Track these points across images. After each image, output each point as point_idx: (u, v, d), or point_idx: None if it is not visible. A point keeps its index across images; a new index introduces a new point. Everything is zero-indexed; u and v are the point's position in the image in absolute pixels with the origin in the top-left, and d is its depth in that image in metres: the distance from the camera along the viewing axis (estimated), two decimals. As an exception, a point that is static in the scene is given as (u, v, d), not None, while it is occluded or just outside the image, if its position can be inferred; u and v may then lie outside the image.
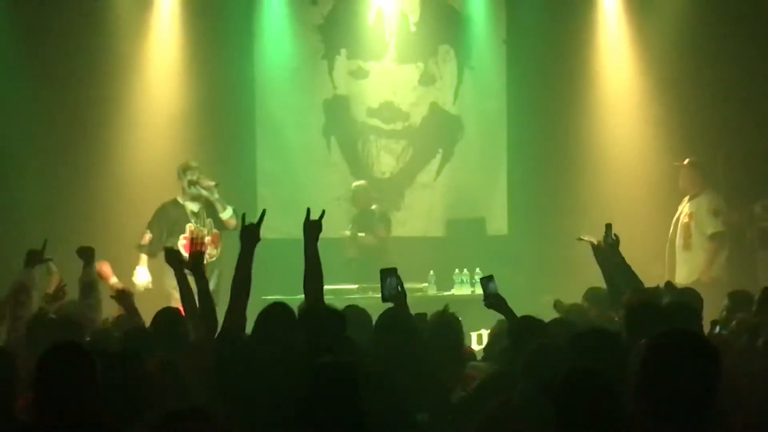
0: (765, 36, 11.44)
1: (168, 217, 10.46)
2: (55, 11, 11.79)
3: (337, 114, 12.92)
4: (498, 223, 12.75)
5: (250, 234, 5.76)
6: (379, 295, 6.21)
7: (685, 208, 10.96)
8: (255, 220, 5.76)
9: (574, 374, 3.87)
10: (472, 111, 12.99)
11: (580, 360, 4.60)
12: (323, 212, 5.86)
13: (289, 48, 12.84)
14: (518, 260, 11.75)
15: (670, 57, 12.09)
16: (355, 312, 6.17)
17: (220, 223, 10.48)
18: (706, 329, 6.48)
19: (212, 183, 10.49)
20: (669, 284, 7.49)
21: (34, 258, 7.06)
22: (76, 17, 11.83)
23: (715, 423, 3.36)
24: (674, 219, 11.02)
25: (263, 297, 9.13)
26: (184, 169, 10.55)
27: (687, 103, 11.93)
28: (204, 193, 10.44)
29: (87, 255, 7.06)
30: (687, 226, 10.86)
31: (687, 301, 6.51)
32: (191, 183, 10.43)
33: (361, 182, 12.04)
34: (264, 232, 12.92)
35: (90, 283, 6.93)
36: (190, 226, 10.31)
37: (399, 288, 6.11)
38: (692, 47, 11.84)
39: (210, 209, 10.49)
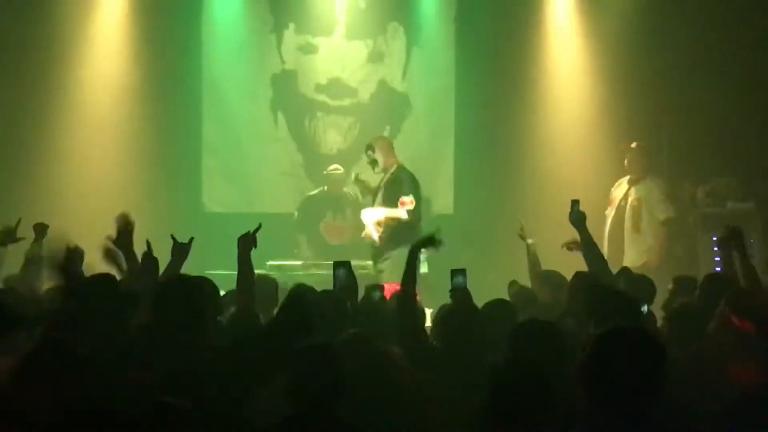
0: (701, 29, 11.49)
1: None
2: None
3: (285, 89, 12.84)
4: (444, 201, 12.73)
5: (246, 241, 6.09)
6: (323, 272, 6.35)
7: (631, 191, 10.97)
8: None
9: (509, 366, 4.04)
10: (420, 89, 12.94)
11: (519, 350, 4.68)
12: (260, 225, 6.19)
13: (237, 20, 12.75)
14: (464, 239, 11.72)
15: (616, 45, 12.11)
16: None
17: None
18: (657, 311, 6.51)
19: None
20: (625, 270, 7.41)
21: (8, 236, 7.31)
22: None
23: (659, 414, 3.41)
24: (616, 202, 11.01)
25: (206, 271, 9.03)
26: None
27: (630, 89, 11.96)
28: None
29: (39, 230, 7.23)
30: (637, 209, 10.90)
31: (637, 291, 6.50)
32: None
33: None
34: (209, 205, 12.86)
35: (32, 259, 6.98)
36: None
37: (349, 280, 6.31)
38: (636, 36, 11.87)
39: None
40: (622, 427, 3.26)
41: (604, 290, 5.76)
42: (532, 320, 5.17)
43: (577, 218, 6.87)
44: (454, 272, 6.20)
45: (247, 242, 5.99)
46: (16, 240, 7.34)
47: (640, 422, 3.27)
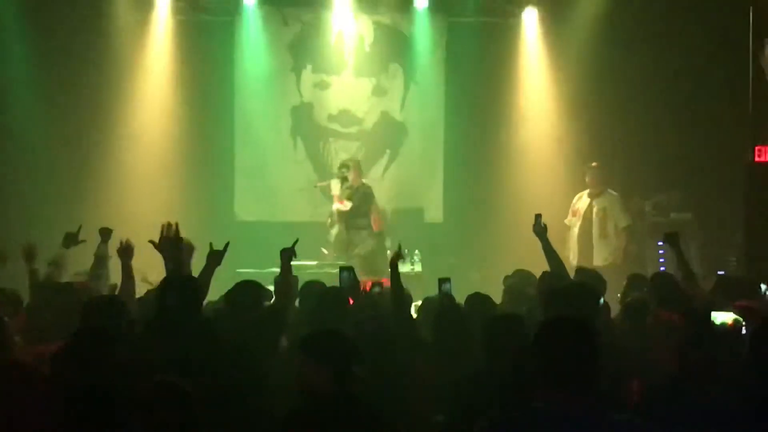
0: (649, 63, 11.52)
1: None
2: (65, 22, 11.57)
3: (303, 119, 12.86)
4: (435, 212, 12.74)
5: (287, 252, 5.90)
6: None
7: (594, 203, 11.00)
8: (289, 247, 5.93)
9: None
10: (415, 119, 12.96)
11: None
12: (297, 240, 6.03)
13: (263, 61, 12.75)
14: (451, 243, 11.82)
15: (578, 79, 12.17)
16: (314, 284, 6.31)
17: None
18: (614, 303, 6.59)
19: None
20: (580, 268, 7.49)
21: (71, 240, 7.00)
22: (83, 28, 11.66)
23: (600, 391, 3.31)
24: (581, 213, 11.05)
25: (237, 270, 9.18)
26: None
27: (589, 117, 12.04)
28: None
29: (104, 234, 7.00)
30: (602, 219, 10.95)
31: (590, 284, 6.58)
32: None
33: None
34: (240, 214, 12.97)
35: (101, 257, 6.83)
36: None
37: (352, 280, 6.43)
38: (593, 72, 11.93)
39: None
40: (566, 403, 3.08)
41: (565, 286, 5.81)
42: (507, 314, 5.23)
43: (539, 230, 6.86)
44: (442, 280, 6.21)
45: (288, 253, 5.87)
46: (77, 243, 7.10)
47: (579, 399, 3.09)
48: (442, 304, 5.86)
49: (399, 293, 5.90)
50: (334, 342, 4.07)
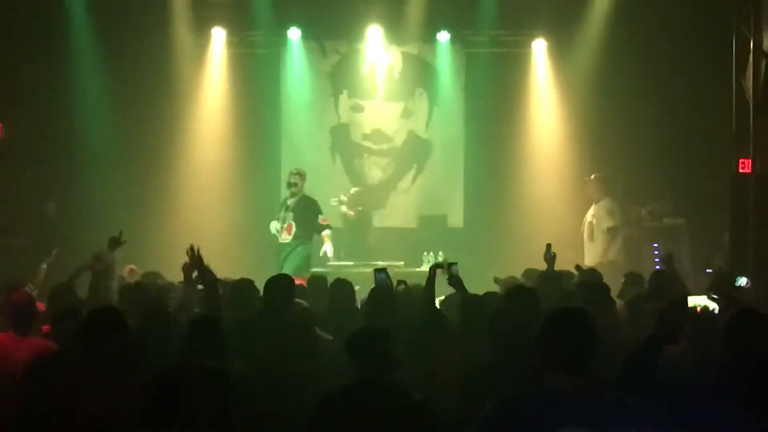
0: (646, 84, 11.43)
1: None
2: (134, 50, 11.72)
3: (340, 137, 12.93)
4: (456, 218, 12.70)
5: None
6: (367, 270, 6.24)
7: (590, 211, 11.01)
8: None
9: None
10: (438, 137, 12.97)
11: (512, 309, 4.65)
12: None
13: (305, 88, 12.85)
14: (471, 246, 11.79)
15: (582, 100, 12.11)
16: (340, 281, 6.28)
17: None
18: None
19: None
20: (577, 266, 7.53)
21: (115, 243, 6.78)
22: (149, 59, 11.82)
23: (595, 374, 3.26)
24: (585, 220, 11.06)
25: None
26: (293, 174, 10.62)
27: (593, 133, 11.98)
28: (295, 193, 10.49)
29: (113, 243, 6.72)
30: (591, 224, 10.92)
31: (592, 279, 6.61)
32: (288, 185, 10.59)
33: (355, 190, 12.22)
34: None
35: (110, 264, 6.63)
36: (282, 216, 10.41)
37: (387, 281, 6.25)
38: (596, 93, 11.85)
39: (306, 211, 10.39)
40: (564, 384, 3.07)
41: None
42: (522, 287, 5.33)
43: (549, 258, 6.85)
44: (450, 264, 6.13)
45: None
46: (121, 244, 6.72)
47: (575, 380, 3.08)
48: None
49: (431, 294, 5.89)
50: (373, 340, 3.96)
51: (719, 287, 5.71)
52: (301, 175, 10.48)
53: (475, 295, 5.73)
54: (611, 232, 10.82)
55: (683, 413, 3.27)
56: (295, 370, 4.42)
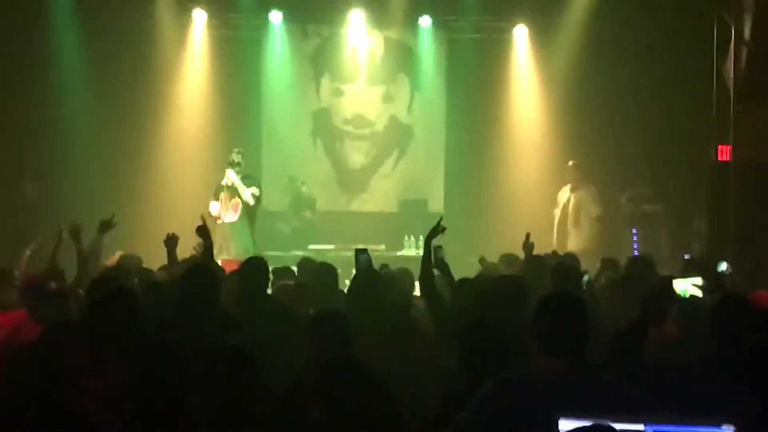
0: (625, 71, 11.42)
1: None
2: (114, 30, 11.52)
3: (322, 121, 12.87)
4: (437, 203, 12.65)
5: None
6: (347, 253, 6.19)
7: (571, 197, 10.98)
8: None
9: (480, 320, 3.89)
10: (420, 122, 12.94)
11: (491, 303, 4.62)
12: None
13: (287, 71, 12.77)
14: (451, 231, 11.58)
15: (562, 87, 12.13)
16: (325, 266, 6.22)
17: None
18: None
19: (232, 172, 10.07)
20: (554, 252, 7.57)
21: (106, 226, 6.62)
22: (130, 40, 11.63)
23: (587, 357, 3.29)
24: (561, 204, 11.05)
25: (264, 252, 9.21)
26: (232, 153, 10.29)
27: (572, 119, 11.97)
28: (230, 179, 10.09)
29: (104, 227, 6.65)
30: (576, 210, 10.93)
31: (570, 263, 6.62)
32: (229, 163, 10.12)
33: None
34: (266, 206, 12.92)
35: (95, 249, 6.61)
36: (222, 196, 10.06)
37: (370, 263, 6.09)
38: (576, 79, 11.87)
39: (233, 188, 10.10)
40: (560, 368, 3.09)
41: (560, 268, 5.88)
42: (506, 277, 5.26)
43: (528, 247, 6.89)
44: (436, 249, 5.96)
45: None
46: (112, 227, 6.61)
47: (571, 364, 3.10)
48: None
49: (429, 271, 5.74)
50: (338, 321, 4.02)
51: (704, 272, 5.74)
52: (242, 154, 10.25)
53: (467, 278, 5.70)
54: (600, 220, 10.91)
55: (670, 396, 3.28)
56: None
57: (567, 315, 3.18)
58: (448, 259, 6.20)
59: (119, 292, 4.13)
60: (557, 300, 3.29)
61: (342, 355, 3.68)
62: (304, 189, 11.92)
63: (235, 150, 10.28)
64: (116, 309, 3.94)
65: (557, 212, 11.04)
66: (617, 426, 2.48)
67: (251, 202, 10.00)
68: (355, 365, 3.40)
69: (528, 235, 6.85)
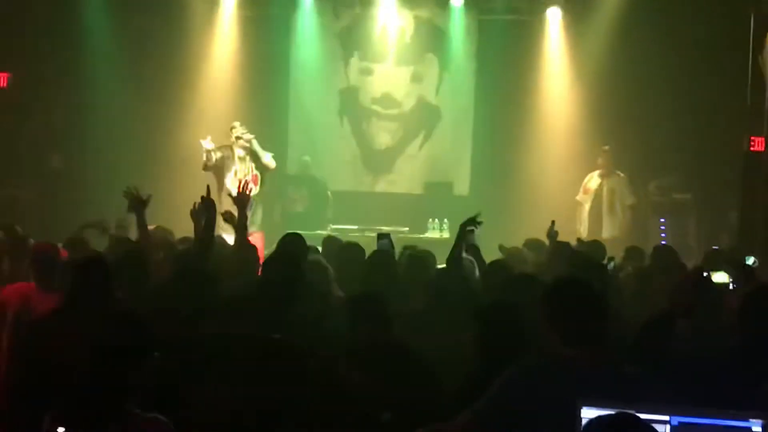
0: (659, 58, 11.30)
1: (222, 149, 10.08)
2: (144, 11, 11.64)
3: (349, 101, 12.78)
4: (462, 186, 12.60)
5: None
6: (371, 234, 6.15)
7: (604, 183, 10.92)
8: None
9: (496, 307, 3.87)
10: (448, 103, 12.80)
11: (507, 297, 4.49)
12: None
13: (315, 50, 12.70)
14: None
15: (594, 71, 11.96)
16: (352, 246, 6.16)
17: (261, 166, 10.13)
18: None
19: (251, 135, 10.16)
20: (579, 240, 7.52)
21: (139, 204, 6.31)
22: (159, 19, 11.72)
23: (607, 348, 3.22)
24: (592, 191, 10.97)
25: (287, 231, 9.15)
26: (231, 128, 10.24)
27: (603, 105, 11.84)
28: (246, 144, 10.08)
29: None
30: (610, 197, 10.92)
31: (590, 250, 6.57)
32: (237, 138, 10.14)
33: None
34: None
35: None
36: (236, 169, 10.02)
37: (390, 247, 6.15)
38: (609, 64, 11.73)
39: (253, 155, 10.12)
40: (584, 355, 3.04)
41: (579, 255, 5.80)
42: (521, 274, 5.19)
43: (552, 235, 6.86)
44: (468, 232, 5.99)
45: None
46: (145, 206, 6.16)
47: (591, 354, 3.05)
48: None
49: (459, 251, 5.72)
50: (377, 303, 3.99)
51: (730, 264, 5.65)
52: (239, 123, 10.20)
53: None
54: (635, 208, 10.91)
55: (697, 387, 3.21)
56: None
57: (584, 300, 3.11)
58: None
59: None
60: (571, 285, 3.23)
61: (385, 336, 3.75)
62: (316, 173, 11.84)
63: (233, 125, 10.19)
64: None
65: (585, 199, 10.95)
66: (641, 416, 2.40)
67: (272, 164, 10.04)
68: (399, 346, 3.52)
69: (553, 223, 6.79)
